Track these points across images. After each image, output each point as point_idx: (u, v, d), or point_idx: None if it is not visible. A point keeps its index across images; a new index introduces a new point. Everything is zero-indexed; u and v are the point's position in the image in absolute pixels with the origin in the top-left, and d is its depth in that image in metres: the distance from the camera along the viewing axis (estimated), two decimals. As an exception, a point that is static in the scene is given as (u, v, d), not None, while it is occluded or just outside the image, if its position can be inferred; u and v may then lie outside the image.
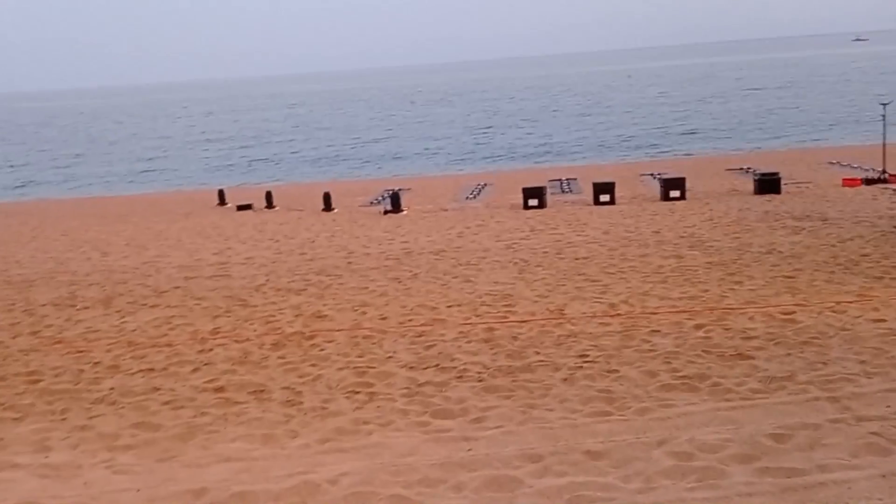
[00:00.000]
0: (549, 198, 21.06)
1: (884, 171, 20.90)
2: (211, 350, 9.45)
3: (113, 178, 42.65)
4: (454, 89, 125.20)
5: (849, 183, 20.66)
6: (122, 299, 12.53)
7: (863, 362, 7.68)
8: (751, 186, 20.86)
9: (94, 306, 12.17)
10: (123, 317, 11.38)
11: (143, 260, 16.15)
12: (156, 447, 6.73)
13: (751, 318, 9.39)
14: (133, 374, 8.73)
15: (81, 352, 9.73)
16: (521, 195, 20.84)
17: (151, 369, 8.84)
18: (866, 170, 22.82)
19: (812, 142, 37.40)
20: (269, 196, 24.55)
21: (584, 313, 10.08)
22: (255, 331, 10.21)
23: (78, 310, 12.00)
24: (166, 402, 7.76)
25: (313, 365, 8.65)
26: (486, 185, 26.79)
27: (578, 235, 15.89)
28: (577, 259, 13.52)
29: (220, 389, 8.06)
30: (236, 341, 9.76)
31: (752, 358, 8.01)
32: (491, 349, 8.83)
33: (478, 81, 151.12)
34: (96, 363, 9.20)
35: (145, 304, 12.09)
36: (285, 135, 62.22)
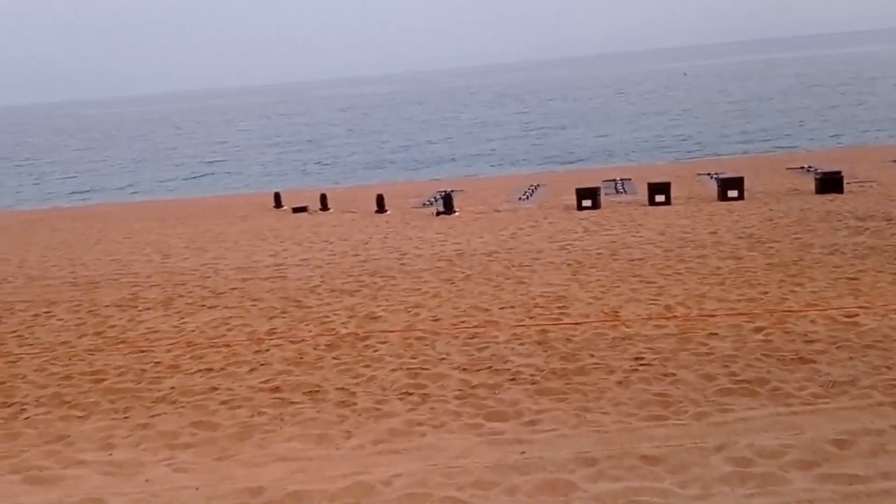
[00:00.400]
0: (603, 198, 20.82)
1: (954, 169, 20.11)
2: (267, 350, 9.62)
3: (173, 182, 43.74)
4: (507, 90, 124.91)
5: (916, 181, 19.92)
6: (181, 300, 12.84)
7: (931, 367, 7.42)
8: (812, 186, 20.29)
9: (155, 307, 12.50)
10: (183, 317, 11.66)
11: (201, 262, 16.52)
12: (214, 446, 6.88)
13: (812, 321, 9.14)
14: (192, 373, 8.94)
15: (143, 351, 10.00)
16: (574, 196, 20.66)
17: (210, 369, 9.04)
18: (935, 167, 21.98)
19: (876, 139, 36.21)
20: (323, 198, 24.84)
21: (640, 315, 9.95)
22: (310, 332, 10.36)
23: (140, 311, 12.34)
24: (224, 402, 7.92)
25: (367, 366, 8.73)
26: (538, 185, 26.64)
27: (633, 236, 15.69)
28: (631, 260, 13.35)
29: (275, 389, 8.19)
30: (292, 342, 9.91)
31: (814, 362, 7.80)
32: (544, 351, 8.78)
33: (531, 82, 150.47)
34: (157, 363, 9.45)
35: (204, 305, 12.36)
36: (339, 138, 62.92)
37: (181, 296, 13.21)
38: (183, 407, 7.89)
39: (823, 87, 70.84)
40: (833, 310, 9.55)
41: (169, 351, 9.93)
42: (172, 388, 8.49)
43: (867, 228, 14.56)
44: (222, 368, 9.04)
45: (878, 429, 6.21)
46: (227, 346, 9.97)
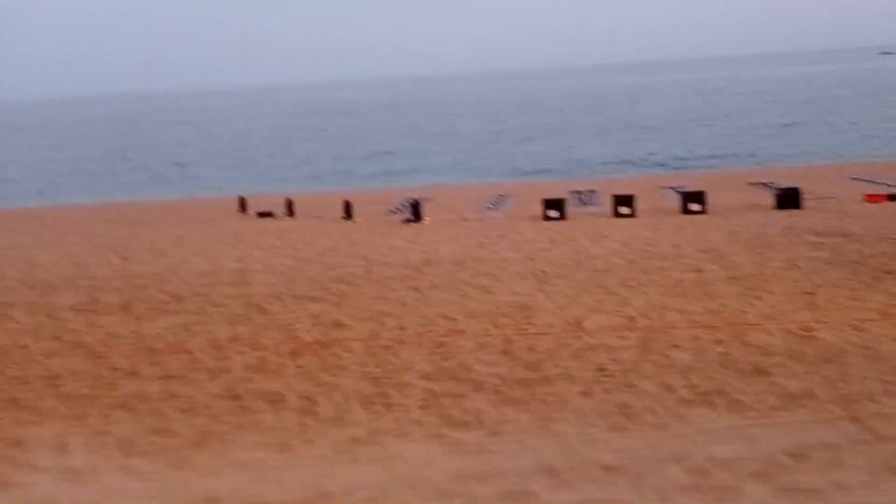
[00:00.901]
0: (569, 209, 21.01)
1: (909, 187, 20.66)
2: (229, 357, 9.50)
3: (136, 184, 43.12)
4: (477, 99, 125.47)
5: (872, 199, 20.42)
6: (141, 305, 12.65)
7: (885, 381, 7.58)
8: (771, 201, 20.70)
9: (114, 311, 12.28)
10: (142, 322, 11.48)
11: (163, 266, 16.29)
12: (172, 454, 6.77)
13: (770, 334, 9.30)
14: (151, 379, 8.80)
15: (101, 357, 9.82)
16: (541, 206, 20.82)
17: (169, 375, 8.90)
18: (891, 185, 22.55)
19: (835, 157, 37.06)
20: (289, 204, 24.69)
21: (603, 326, 10.04)
22: (272, 338, 10.26)
23: (98, 314, 12.12)
24: (183, 409, 7.80)
25: (330, 374, 8.67)
26: (506, 196, 26.80)
27: (598, 247, 15.84)
28: (596, 271, 13.47)
29: (236, 397, 8.10)
30: (254, 349, 9.81)
31: (771, 374, 7.93)
32: (509, 360, 8.81)
33: (507, 92, 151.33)
34: (115, 368, 9.28)
35: (164, 310, 12.18)
36: (308, 143, 62.59)
37: (141, 300, 13.01)
38: (141, 414, 7.75)
39: (785, 103, 72.29)
40: (790, 323, 9.73)
41: (127, 356, 9.76)
42: (130, 394, 8.34)
43: (824, 244, 14.88)
44: (182, 375, 8.91)
45: (835, 442, 6.32)
46: (188, 352, 9.83)
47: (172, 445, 6.95)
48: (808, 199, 20.48)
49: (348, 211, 22.82)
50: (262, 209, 24.97)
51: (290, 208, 24.44)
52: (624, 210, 20.12)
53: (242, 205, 26.12)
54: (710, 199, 20.90)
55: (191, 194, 37.20)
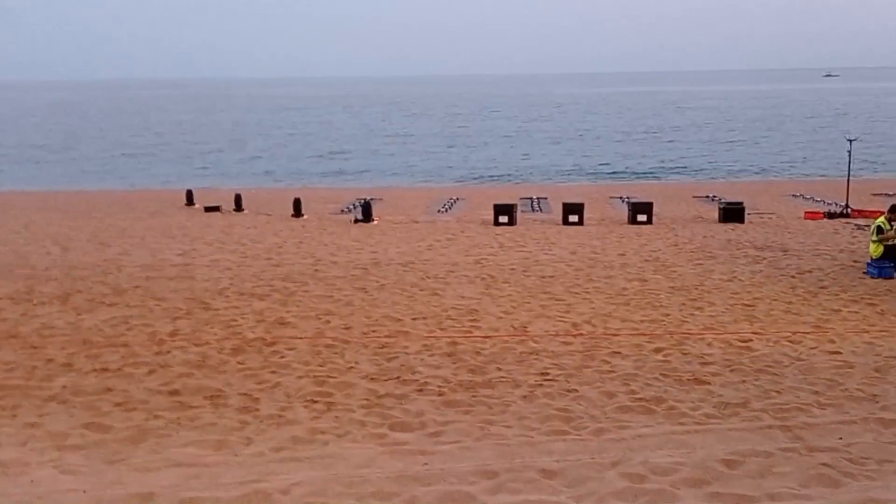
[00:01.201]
0: (519, 215, 21.17)
1: (846, 206, 21.33)
2: (168, 352, 9.32)
3: (80, 174, 42.00)
4: (436, 102, 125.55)
5: (811, 216, 21.05)
6: (80, 296, 12.32)
7: (816, 393, 7.82)
8: (716, 214, 21.18)
9: (51, 302, 11.95)
10: (80, 314, 11.19)
11: (104, 257, 15.90)
12: (105, 449, 6.61)
13: (709, 344, 9.51)
14: (87, 373, 8.58)
15: (35, 348, 9.54)
16: (492, 211, 20.93)
17: (106, 369, 8.69)
18: (829, 204, 23.28)
19: (777, 174, 38.09)
20: (238, 199, 24.32)
21: (548, 331, 10.13)
22: (215, 335, 10.10)
23: (34, 305, 11.77)
24: (119, 404, 7.62)
25: (273, 372, 8.57)
26: (458, 199, 26.86)
27: (546, 254, 15.99)
28: (543, 277, 13.60)
29: (175, 393, 7.94)
30: (195, 344, 9.64)
31: (708, 383, 8.11)
32: (453, 363, 8.83)
33: (466, 96, 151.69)
34: (49, 360, 9.02)
35: (103, 303, 11.89)
36: (262, 139, 61.76)
37: (80, 291, 12.68)
38: (74, 407, 7.55)
39: (735, 120, 73.98)
40: (729, 334, 9.96)
41: (63, 348, 9.50)
42: (64, 386, 8.12)
43: (764, 258, 15.28)
44: (119, 369, 8.71)
45: (767, 450, 6.48)
46: (126, 345, 9.61)
47: (106, 440, 6.78)
48: (750, 214, 21.01)
49: (298, 208, 22.60)
50: (209, 203, 24.56)
51: (238, 203, 24.08)
52: (573, 218, 20.36)
53: (189, 198, 25.63)
54: (657, 211, 21.30)
55: (136, 186, 36.34)
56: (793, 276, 13.52)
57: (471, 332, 10.13)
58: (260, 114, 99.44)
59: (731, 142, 54.23)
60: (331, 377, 8.37)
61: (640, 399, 7.65)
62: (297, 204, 22.69)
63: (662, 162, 43.71)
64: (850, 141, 22.09)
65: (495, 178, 38.66)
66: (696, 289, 12.59)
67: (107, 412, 7.41)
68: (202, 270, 14.45)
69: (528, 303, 11.72)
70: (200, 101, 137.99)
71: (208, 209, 23.91)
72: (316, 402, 7.67)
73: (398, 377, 8.37)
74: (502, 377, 8.33)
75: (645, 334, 9.98)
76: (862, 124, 64.66)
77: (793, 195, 26.79)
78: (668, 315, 10.93)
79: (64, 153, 52.44)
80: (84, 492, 5.81)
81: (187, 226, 20.62)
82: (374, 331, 10.25)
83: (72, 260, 15.61)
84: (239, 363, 8.89)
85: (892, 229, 13.68)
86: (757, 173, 38.23)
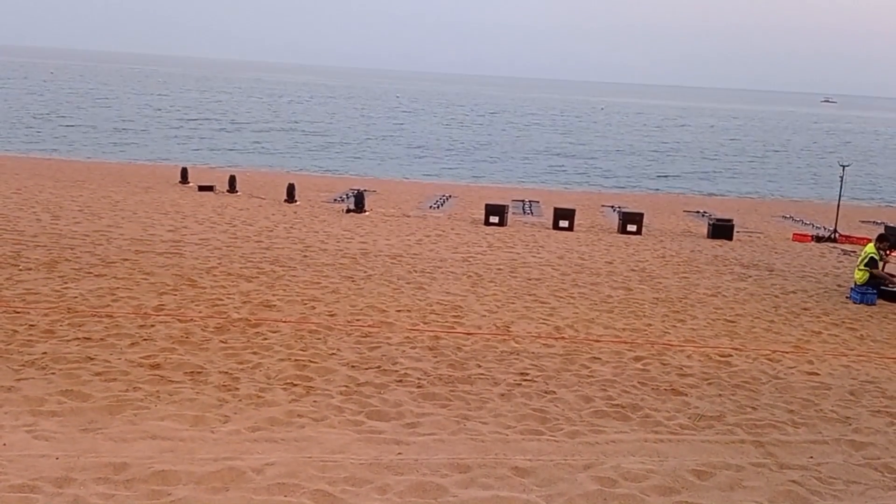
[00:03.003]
0: (510, 217, 21.24)
1: (835, 231, 21.51)
2: (153, 326, 9.33)
3: (77, 143, 41.77)
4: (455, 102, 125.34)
5: (799, 238, 21.21)
6: (67, 265, 12.30)
7: (791, 411, 7.91)
8: (704, 230, 21.32)
9: (38, 268, 11.91)
10: (66, 283, 11.17)
11: (94, 228, 15.86)
12: (81, 417, 6.62)
13: (688, 357, 9.60)
14: (68, 341, 8.57)
15: (18, 312, 9.52)
16: (483, 211, 20.99)
17: (88, 338, 8.69)
18: (817, 227, 23.46)
19: (767, 193, 38.31)
20: (232, 180, 24.29)
21: (530, 333, 10.20)
22: (200, 312, 10.11)
23: (20, 270, 11.74)
24: (98, 373, 7.63)
25: (255, 353, 8.60)
26: (450, 196, 26.90)
27: (534, 257, 16.06)
28: (529, 279, 13.66)
29: (156, 366, 7.96)
30: (180, 320, 9.65)
31: (685, 394, 8.19)
32: (434, 357, 8.88)
33: (473, 97, 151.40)
34: (31, 325, 9.01)
35: (91, 273, 11.87)
36: (263, 124, 61.55)
37: (67, 260, 12.65)
38: (53, 373, 7.55)
39: (738, 140, 74.24)
40: (709, 348, 10.06)
41: (46, 315, 9.49)
42: (45, 353, 8.12)
43: (750, 276, 15.40)
44: (101, 339, 8.71)
45: (738, 464, 6.56)
46: (110, 316, 9.61)
47: (83, 408, 6.79)
48: (739, 232, 21.16)
49: (291, 194, 22.58)
50: (204, 183, 24.51)
51: (232, 185, 24.05)
52: (563, 223, 20.44)
53: (184, 176, 25.55)
54: (647, 222, 21.41)
55: (132, 160, 36.18)
56: (776, 296, 13.64)
57: (454, 328, 10.18)
58: (263, 99, 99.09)
59: (729, 159, 54.44)
60: (312, 362, 8.41)
61: (617, 405, 7.72)
62: (290, 189, 22.68)
63: (659, 174, 43.87)
64: (844, 167, 22.27)
65: (489, 177, 38.65)
66: (680, 301, 12.69)
67: (86, 381, 7.42)
68: (192, 248, 14.44)
69: (513, 303, 11.78)
70: (203, 82, 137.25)
71: (202, 188, 23.86)
72: (296, 385, 7.70)
73: (379, 367, 8.42)
74: (482, 374, 8.39)
75: (626, 342, 10.06)
76: (855, 151, 65.18)
77: (783, 216, 26.97)
78: (650, 325, 11.02)
79: (59, 122, 52.10)
80: (56, 458, 5.82)
81: (180, 203, 20.58)
82: (358, 320, 10.28)
83: (61, 228, 15.56)
84: (222, 342, 8.91)
85: (884, 262, 13.97)
86: (749, 192, 38.44)
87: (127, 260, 12.98)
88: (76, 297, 10.40)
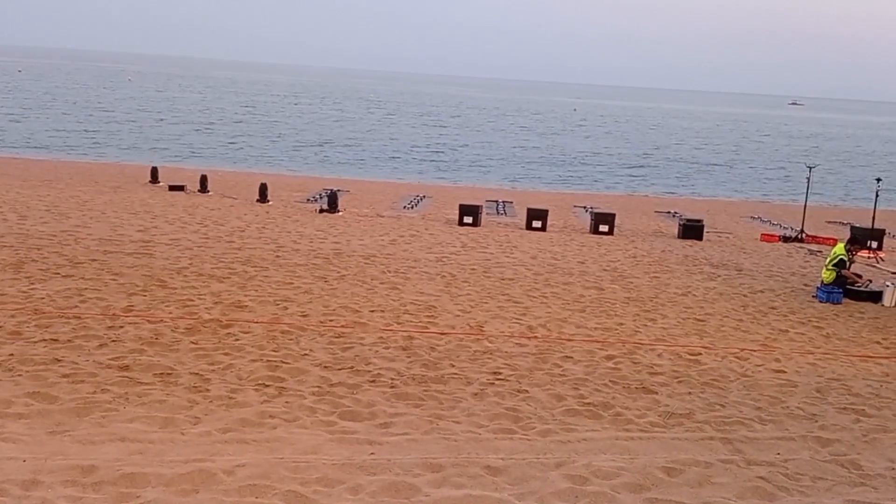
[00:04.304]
0: (483, 217, 21.30)
1: (801, 231, 21.83)
2: (121, 327, 9.22)
3: (46, 142, 41.12)
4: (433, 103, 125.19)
5: (767, 238, 21.51)
6: (34, 265, 12.11)
7: (759, 409, 8.03)
8: (675, 230, 21.54)
9: (4, 269, 11.72)
10: (33, 283, 11.00)
11: (62, 228, 15.63)
12: (49, 419, 6.53)
13: (659, 355, 9.70)
14: (35, 342, 8.45)
15: (-17, 314, 9.36)
16: (457, 211, 21.02)
17: (55, 339, 8.57)
18: (785, 227, 23.79)
19: (736, 194, 38.78)
20: (203, 180, 24.06)
21: (503, 332, 10.24)
22: (170, 313, 10.01)
23: (-14, 271, 11.54)
24: (66, 375, 7.53)
25: (226, 354, 8.54)
26: (424, 196, 26.89)
27: (507, 257, 16.12)
28: (502, 279, 13.71)
29: (125, 368, 7.87)
30: (149, 321, 9.56)
31: (656, 393, 8.27)
32: (407, 357, 8.88)
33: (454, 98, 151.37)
34: (-2, 327, 8.87)
35: (58, 273, 11.71)
36: (238, 125, 61.02)
37: (34, 260, 12.46)
38: (20, 375, 7.44)
39: (708, 142, 75.04)
40: (679, 347, 10.17)
41: (12, 316, 9.34)
42: (11, 354, 7.99)
43: (719, 276, 15.60)
44: (69, 340, 8.60)
45: (706, 461, 6.65)
46: (78, 317, 9.49)
47: (51, 410, 6.71)
48: (709, 232, 21.41)
49: (264, 194, 22.43)
50: (174, 182, 24.26)
51: (203, 184, 23.82)
52: (536, 224, 20.53)
53: (154, 176, 25.26)
54: (619, 222, 21.58)
55: (101, 159, 35.68)
56: (745, 295, 13.82)
57: (427, 328, 10.19)
58: (239, 98, 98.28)
59: (696, 160, 55.06)
60: (284, 363, 8.37)
61: (589, 404, 7.78)
62: (262, 189, 22.52)
63: (629, 175, 44.23)
64: (810, 168, 22.60)
65: (463, 178, 38.68)
66: (651, 301, 12.81)
67: (53, 383, 7.32)
68: (162, 248, 14.29)
69: (486, 303, 11.82)
70: (179, 80, 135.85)
71: (173, 188, 23.61)
72: (267, 386, 7.67)
73: (352, 367, 8.40)
74: (455, 374, 8.41)
75: (598, 341, 10.14)
76: (822, 153, 66.24)
77: (751, 217, 27.32)
78: (621, 324, 11.12)
79: (31, 121, 51.25)
80: (24, 461, 5.75)
81: (150, 203, 20.35)
82: (331, 320, 10.25)
83: (28, 228, 15.32)
84: (192, 343, 8.83)
85: (850, 263, 14.20)
86: (719, 193, 38.88)
87: (95, 260, 12.81)
88: (43, 298, 10.25)
